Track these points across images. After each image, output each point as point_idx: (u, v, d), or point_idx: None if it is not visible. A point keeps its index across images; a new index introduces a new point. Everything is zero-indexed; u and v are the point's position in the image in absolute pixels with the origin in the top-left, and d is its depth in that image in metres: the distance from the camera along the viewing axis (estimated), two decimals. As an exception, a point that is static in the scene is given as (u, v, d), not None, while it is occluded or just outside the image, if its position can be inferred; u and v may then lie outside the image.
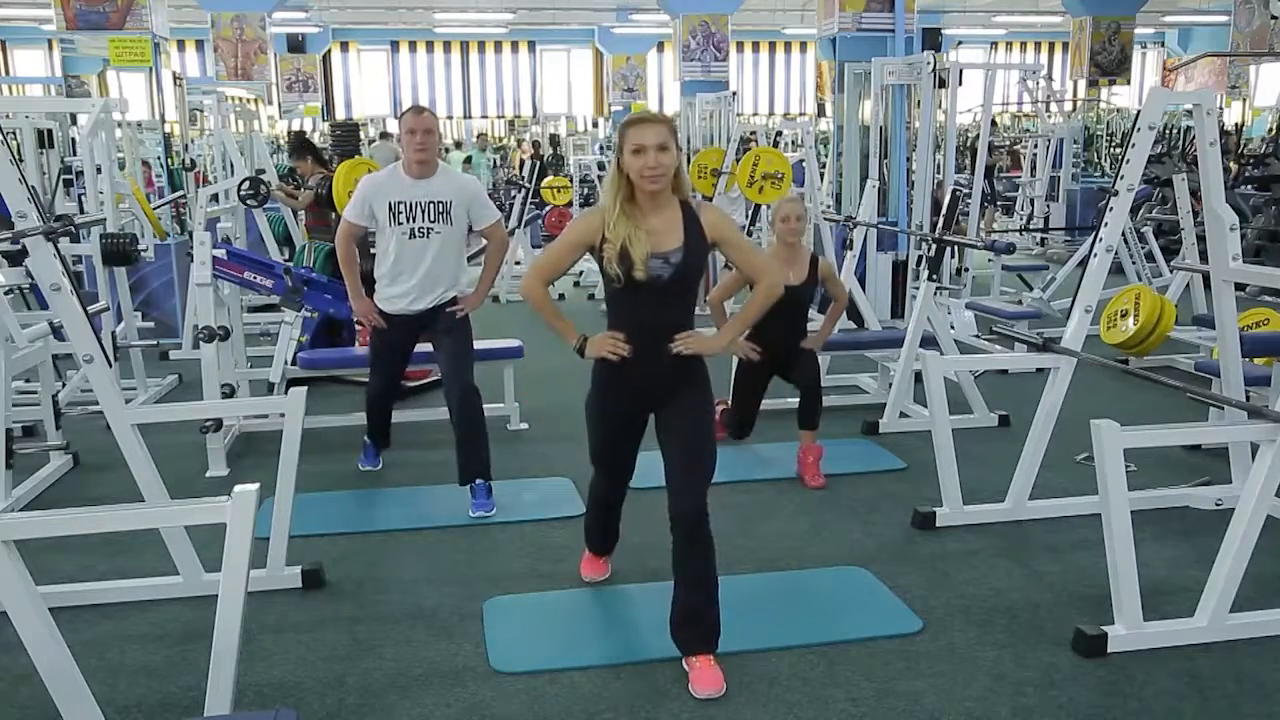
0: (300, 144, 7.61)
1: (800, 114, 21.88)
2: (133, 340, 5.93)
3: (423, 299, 4.11)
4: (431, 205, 4.01)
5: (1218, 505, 3.82)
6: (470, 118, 21.60)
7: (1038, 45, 23.06)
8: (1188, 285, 6.77)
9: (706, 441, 2.90)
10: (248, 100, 11.99)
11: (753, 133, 11.40)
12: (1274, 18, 12.54)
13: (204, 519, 2.52)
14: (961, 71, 7.64)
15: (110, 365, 3.64)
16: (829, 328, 4.73)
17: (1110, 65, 13.69)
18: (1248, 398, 3.90)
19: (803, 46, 22.14)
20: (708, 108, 10.22)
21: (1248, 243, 9.18)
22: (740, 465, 4.63)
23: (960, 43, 21.20)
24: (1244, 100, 17.46)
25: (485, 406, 4.19)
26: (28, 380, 5.09)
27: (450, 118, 21.74)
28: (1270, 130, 13.84)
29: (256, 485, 2.42)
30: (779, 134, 14.10)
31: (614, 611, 3.31)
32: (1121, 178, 3.71)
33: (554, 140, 18.34)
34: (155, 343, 6.60)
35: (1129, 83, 14.70)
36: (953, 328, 5.61)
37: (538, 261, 2.97)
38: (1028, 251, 11.73)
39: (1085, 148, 14.29)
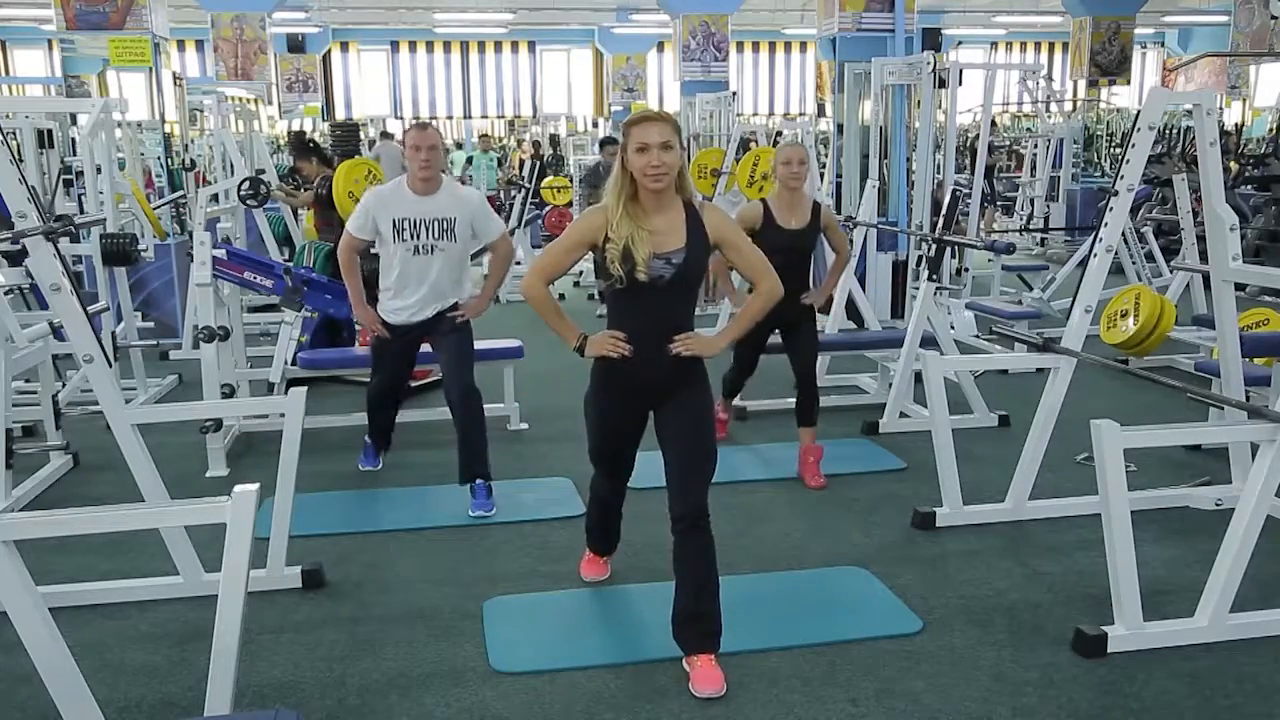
0: (305, 146, 7.61)
1: (800, 114, 21.87)
2: (133, 340, 5.93)
3: (426, 310, 4.13)
4: (436, 222, 4.01)
5: (1218, 505, 3.81)
6: (470, 118, 21.59)
7: (1038, 45, 23.06)
8: (1188, 285, 6.77)
9: (707, 441, 2.90)
10: (248, 100, 12.00)
11: (753, 133, 11.39)
12: (1274, 18, 12.54)
13: (204, 519, 2.52)
14: (961, 71, 7.65)
15: (110, 365, 3.64)
16: (832, 282, 4.72)
17: (1110, 65, 13.69)
18: (1248, 398, 3.90)
19: (803, 46, 22.13)
20: (708, 108, 10.22)
21: (1248, 243, 9.18)
22: (740, 465, 4.63)
23: (960, 43, 21.20)
24: (1244, 100, 17.46)
25: (485, 406, 4.19)
26: (28, 380, 5.09)
27: (450, 118, 21.74)
28: (1270, 130, 13.85)
29: (256, 485, 2.42)
30: (779, 134, 14.11)
31: (614, 611, 3.31)
32: (1121, 178, 3.71)
33: (554, 140, 18.34)
34: (155, 343, 6.60)
35: (1129, 83, 14.70)
36: (953, 328, 5.61)
37: (539, 261, 2.96)
38: (1028, 251, 11.73)
39: (1085, 148, 14.29)
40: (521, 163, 14.58)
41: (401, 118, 21.39)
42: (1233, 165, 11.64)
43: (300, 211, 8.84)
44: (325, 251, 6.66)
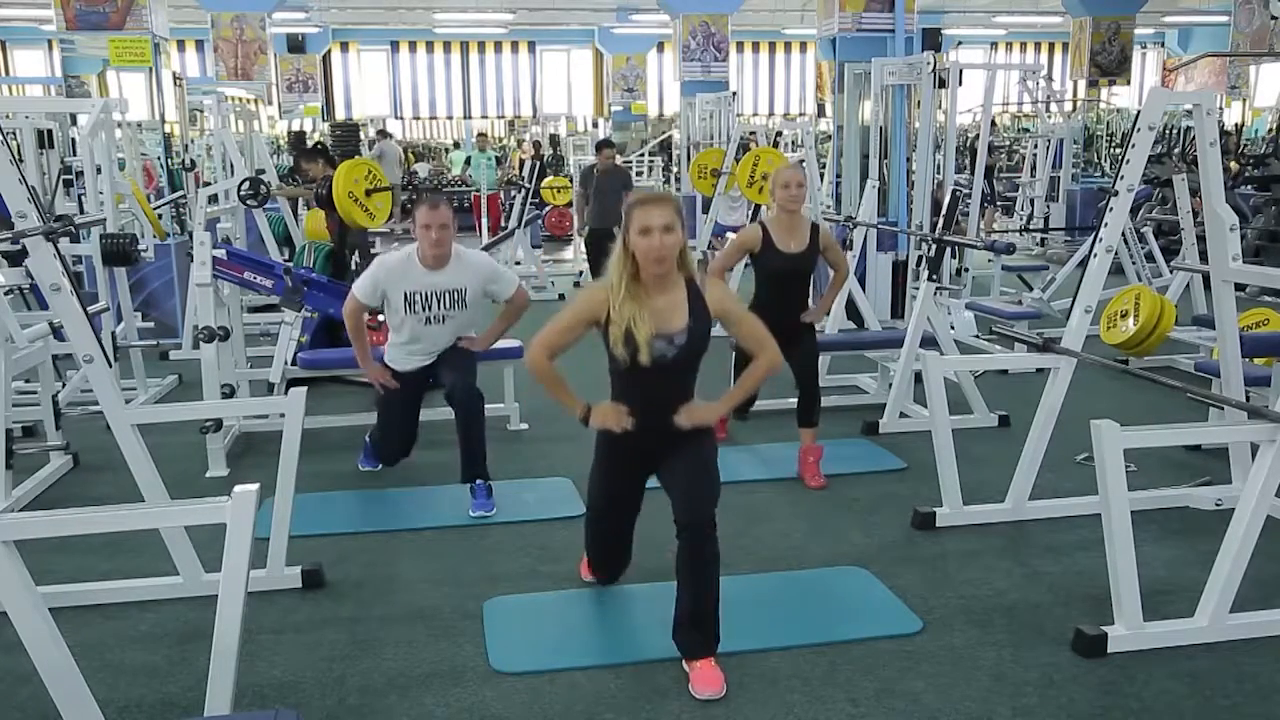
0: (313, 149, 7.60)
1: (800, 114, 21.86)
2: (133, 340, 5.93)
3: (434, 358, 4.18)
4: (448, 294, 4.04)
5: (1218, 505, 3.81)
6: (470, 118, 21.58)
7: (1038, 45, 23.04)
8: (1188, 285, 6.77)
9: (711, 469, 2.93)
10: (248, 100, 12.00)
11: (752, 133, 11.39)
12: (1274, 18, 12.54)
13: (204, 519, 2.52)
14: (961, 71, 7.64)
15: (110, 365, 3.65)
16: (830, 300, 4.73)
17: (1110, 65, 13.68)
18: (1248, 398, 3.90)
19: (803, 46, 22.11)
20: (708, 108, 10.23)
21: (1248, 243, 9.18)
22: (740, 465, 4.62)
23: (960, 43, 21.18)
24: (1244, 100, 17.46)
25: (486, 407, 4.19)
26: (28, 380, 5.09)
27: (450, 118, 21.74)
28: (1270, 130, 13.84)
29: (256, 485, 2.42)
30: (779, 134, 14.11)
31: (614, 611, 3.31)
32: (1121, 178, 3.71)
33: (554, 140, 18.34)
34: (155, 343, 6.60)
35: (1129, 83, 14.69)
36: (953, 328, 5.61)
37: (542, 335, 2.95)
38: (1028, 252, 11.73)
39: (1085, 148, 14.29)
40: (521, 163, 14.55)
41: (402, 118, 21.39)
42: (1233, 165, 11.64)
43: (300, 212, 8.85)
44: (325, 251, 6.67)
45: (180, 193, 8.16)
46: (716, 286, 2.98)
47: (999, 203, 13.02)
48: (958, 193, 6.15)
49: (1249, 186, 10.99)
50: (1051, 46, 22.54)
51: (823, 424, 4.54)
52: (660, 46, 19.78)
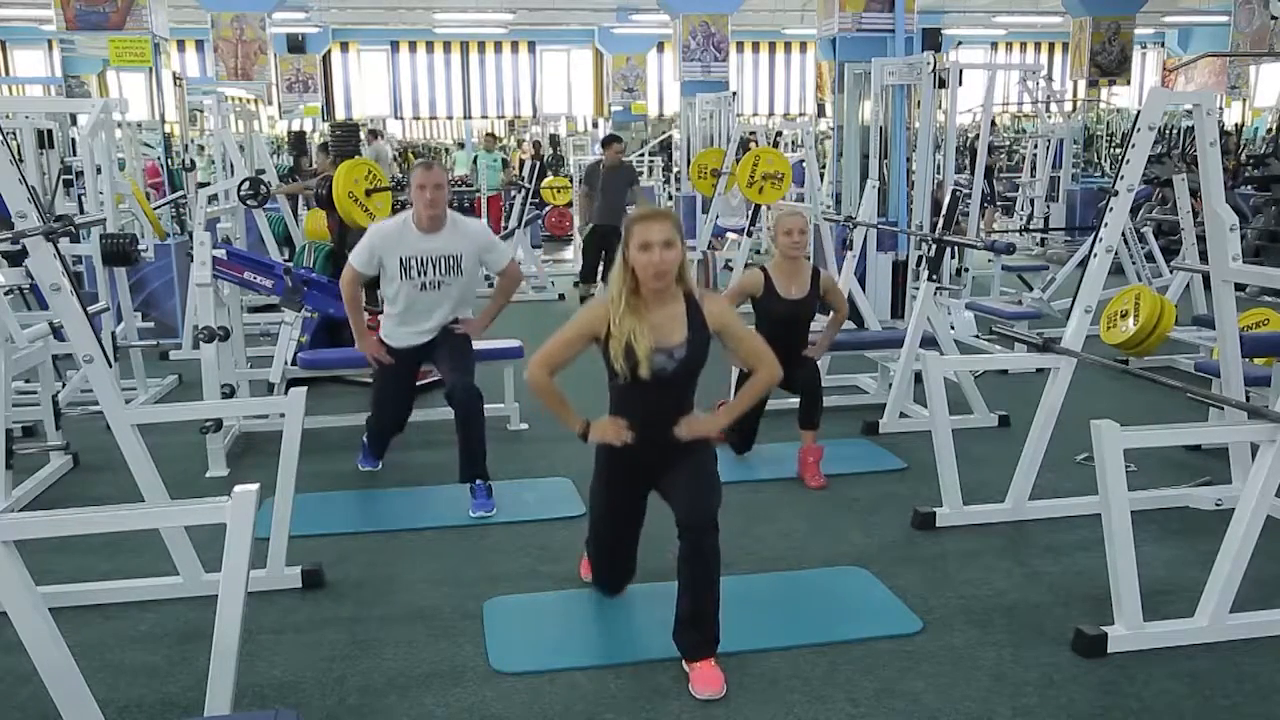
0: (323, 145, 7.60)
1: (800, 114, 21.87)
2: (133, 340, 5.93)
3: (430, 336, 4.16)
4: (443, 259, 4.02)
5: (1218, 505, 3.81)
6: (470, 118, 21.57)
7: (1038, 45, 23.04)
8: (1188, 285, 6.77)
9: (713, 479, 2.94)
10: (248, 100, 11.99)
11: (753, 133, 11.40)
12: (1274, 18, 12.54)
13: (204, 519, 2.52)
14: (961, 72, 7.64)
15: (110, 365, 3.64)
16: (829, 338, 4.74)
17: (1110, 65, 13.68)
18: (1248, 398, 3.90)
19: (803, 46, 22.11)
20: (708, 108, 10.23)
21: (1248, 243, 9.18)
22: (740, 465, 4.63)
23: (960, 43, 21.17)
24: (1244, 100, 17.45)
25: (485, 406, 4.18)
26: (28, 380, 5.09)
27: (450, 118, 21.73)
28: (1270, 130, 13.84)
29: (256, 485, 2.42)
30: (779, 134, 14.11)
31: (614, 611, 3.31)
32: (1121, 178, 3.71)
33: (554, 140, 18.33)
34: (155, 343, 6.60)
35: (1129, 83, 14.69)
36: (953, 328, 5.61)
37: (542, 351, 2.96)
38: (1028, 252, 11.73)
39: (1085, 148, 14.28)
40: (521, 163, 14.53)
41: (401, 118, 21.39)
42: (1232, 164, 11.63)
43: (300, 212, 8.85)
44: (325, 251, 6.68)
45: (180, 193, 8.16)
46: (716, 302, 3.00)
47: (999, 203, 13.03)
48: (958, 193, 6.15)
49: (1249, 186, 10.99)
50: (1051, 46, 22.54)
51: (823, 424, 4.54)
52: (660, 46, 19.78)
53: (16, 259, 5.46)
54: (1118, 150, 13.97)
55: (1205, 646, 2.98)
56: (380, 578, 3.55)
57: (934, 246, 5.28)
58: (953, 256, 7.62)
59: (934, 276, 5.26)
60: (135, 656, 3.00)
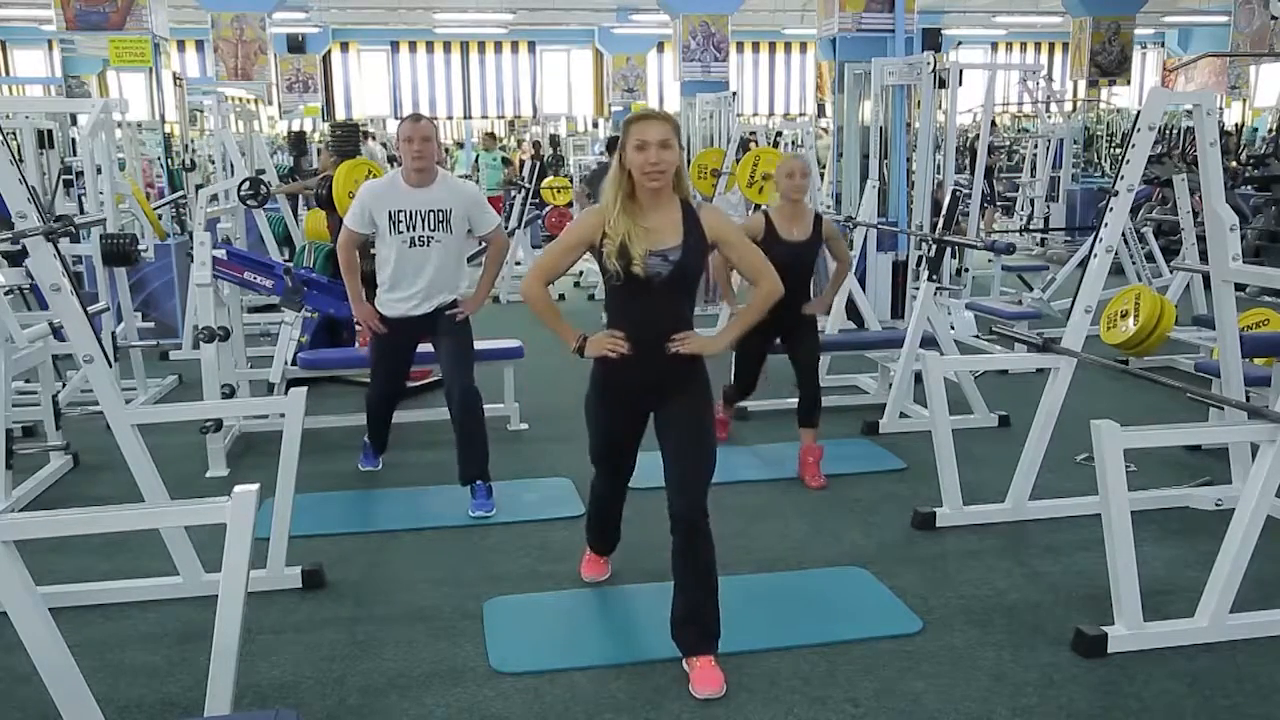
0: (325, 143, 7.57)
1: (800, 114, 21.86)
2: (133, 340, 5.93)
3: (424, 305, 4.11)
4: (432, 214, 4.01)
5: (1218, 505, 3.81)
6: (470, 118, 21.58)
7: (1038, 45, 23.05)
8: (1188, 285, 6.77)
9: (706, 441, 2.90)
10: (248, 100, 11.99)
11: (753, 133, 11.39)
12: (1274, 18, 12.54)
13: (204, 519, 2.52)
14: (961, 72, 7.64)
15: (110, 365, 3.65)
16: (833, 292, 4.74)
17: (1110, 65, 13.69)
18: (1248, 398, 3.90)
19: (803, 46, 22.12)
20: (708, 108, 10.22)
21: (1248, 243, 9.18)
22: (740, 465, 4.63)
23: (960, 43, 21.17)
24: (1244, 100, 17.46)
25: (485, 407, 4.18)
26: (28, 380, 5.09)
27: (450, 118, 21.73)
28: (1271, 130, 13.84)
29: (256, 485, 2.42)
30: (779, 134, 14.10)
31: (614, 611, 3.31)
32: (1121, 178, 3.71)
33: (554, 140, 18.32)
34: (155, 343, 6.60)
35: (1129, 83, 14.70)
36: (953, 328, 5.61)
37: (538, 262, 2.97)
38: (1028, 252, 11.73)
39: (1085, 148, 14.28)
40: (521, 163, 14.50)
41: (401, 118, 21.36)
42: (1233, 165, 11.63)
43: (300, 212, 8.85)
44: (325, 251, 6.66)
45: (180, 193, 8.15)
46: (713, 213, 2.95)
47: (999, 203, 13.02)
48: (958, 193, 6.15)
49: (1249, 186, 10.99)
50: (1051, 46, 22.55)
51: (823, 424, 4.54)
52: (660, 46, 19.79)
53: (16, 259, 5.46)
54: (1118, 150, 13.97)
55: (1205, 646, 2.98)
56: (380, 578, 3.55)
57: (934, 246, 5.28)
58: (953, 256, 7.62)
59: (934, 276, 5.27)
60: (135, 656, 3.00)
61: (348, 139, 7.06)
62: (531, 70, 21.90)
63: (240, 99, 11.02)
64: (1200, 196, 3.80)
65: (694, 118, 10.49)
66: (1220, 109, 9.39)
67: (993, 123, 10.31)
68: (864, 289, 6.80)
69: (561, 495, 4.30)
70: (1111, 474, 2.94)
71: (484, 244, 4.34)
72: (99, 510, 2.81)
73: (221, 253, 5.13)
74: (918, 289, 5.41)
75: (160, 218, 7.58)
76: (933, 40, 12.72)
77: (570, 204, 11.05)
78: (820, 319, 4.81)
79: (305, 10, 16.53)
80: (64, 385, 5.26)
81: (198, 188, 7.49)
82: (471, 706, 2.74)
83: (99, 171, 6.02)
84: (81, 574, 3.45)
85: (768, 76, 22.79)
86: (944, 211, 5.43)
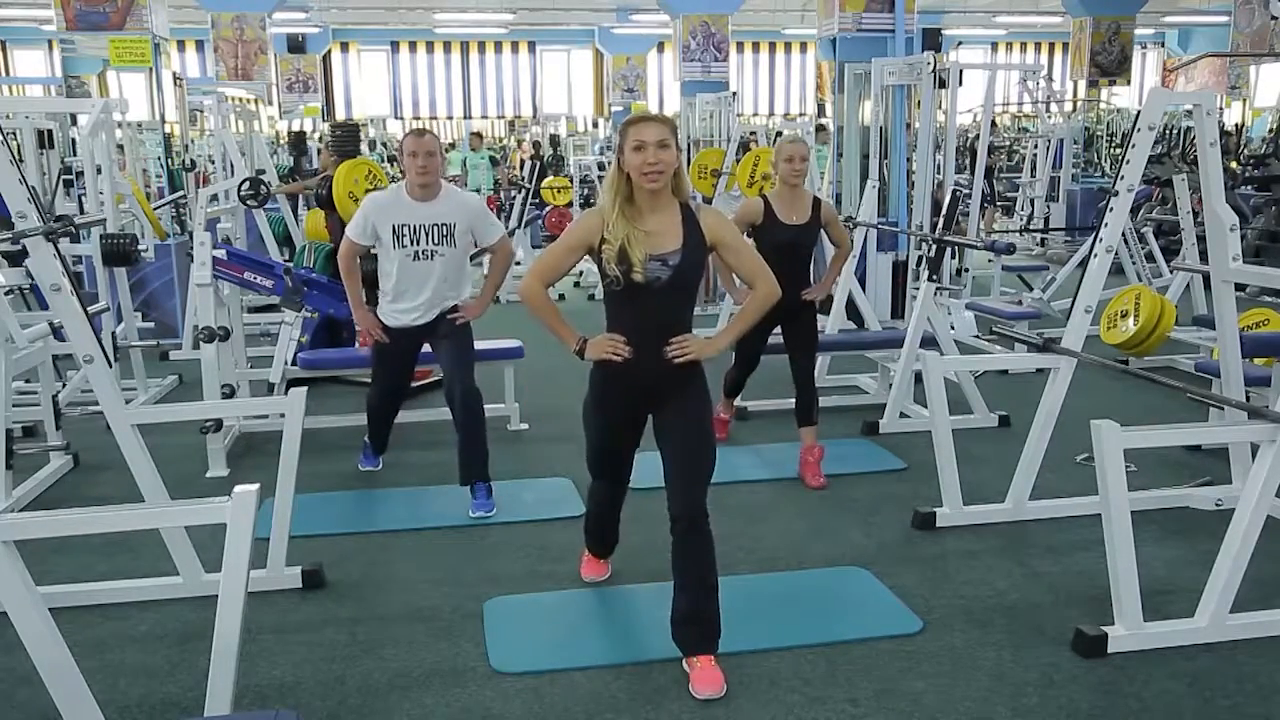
0: (326, 143, 7.58)
1: (800, 114, 21.87)
2: (133, 340, 5.93)
3: (427, 315, 4.13)
4: (435, 228, 4.01)
5: (1218, 505, 3.81)
6: (470, 118, 21.59)
7: (1038, 45, 23.06)
8: (1188, 285, 6.77)
9: (706, 441, 2.90)
10: (248, 100, 11.99)
11: (753, 133, 11.39)
12: (1274, 18, 12.54)
13: (204, 519, 2.52)
14: (961, 72, 7.64)
15: (110, 365, 3.64)
16: (832, 277, 4.74)
17: (1110, 65, 13.69)
18: (1248, 398, 3.90)
19: (803, 47, 22.13)
20: (708, 108, 10.22)
21: (1248, 243, 9.18)
22: (740, 465, 4.63)
23: (960, 43, 21.18)
24: (1244, 101, 17.45)
25: (485, 407, 4.18)
26: (28, 380, 5.09)
27: (450, 118, 21.74)
28: (1271, 130, 13.84)
29: (256, 485, 2.42)
30: (779, 134, 14.10)
31: (614, 611, 3.31)
32: (1121, 178, 3.71)
33: (554, 141, 18.32)
34: (155, 343, 6.60)
35: (1129, 83, 14.70)
36: (953, 328, 5.61)
37: (537, 263, 2.96)
38: (1028, 252, 11.73)
39: (1085, 148, 14.28)
40: (522, 163, 14.50)
41: (402, 118, 21.39)
42: (1234, 165, 11.63)
43: (300, 212, 8.84)
44: (325, 252, 6.66)
45: (180, 193, 8.15)
46: (713, 214, 2.93)
47: (999, 203, 13.03)
48: (958, 193, 6.15)
49: (1249, 187, 10.99)
50: (1051, 46, 22.56)
51: (823, 424, 4.54)
52: (660, 46, 19.80)
53: (16, 259, 5.46)
54: (1118, 150, 13.97)
55: (1205, 646, 2.98)
56: (380, 578, 3.55)
57: (934, 247, 5.28)
58: (953, 257, 7.62)
59: (934, 277, 5.26)
60: (135, 656, 3.00)
61: (348, 139, 7.05)
62: (531, 70, 21.91)
63: (240, 99, 11.02)
64: (1200, 196, 3.80)
65: (694, 118, 10.50)
66: (1220, 109, 9.39)
67: (993, 123, 10.31)
68: (864, 289, 6.80)
69: (561, 495, 4.30)
70: (1111, 474, 2.94)
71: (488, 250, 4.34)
72: (99, 510, 2.80)
73: (221, 253, 5.13)
74: (918, 289, 5.41)
75: (160, 218, 7.58)
76: (933, 40, 12.73)
77: (570, 204, 11.06)
78: (820, 319, 4.81)
79: (305, 10, 16.55)
80: (64, 385, 5.26)
81: (196, 182, 7.49)
82: (471, 706, 2.74)
83: (99, 171, 6.02)
84: (81, 574, 3.45)
85: (768, 76, 22.80)
86: (944, 211, 5.43)
